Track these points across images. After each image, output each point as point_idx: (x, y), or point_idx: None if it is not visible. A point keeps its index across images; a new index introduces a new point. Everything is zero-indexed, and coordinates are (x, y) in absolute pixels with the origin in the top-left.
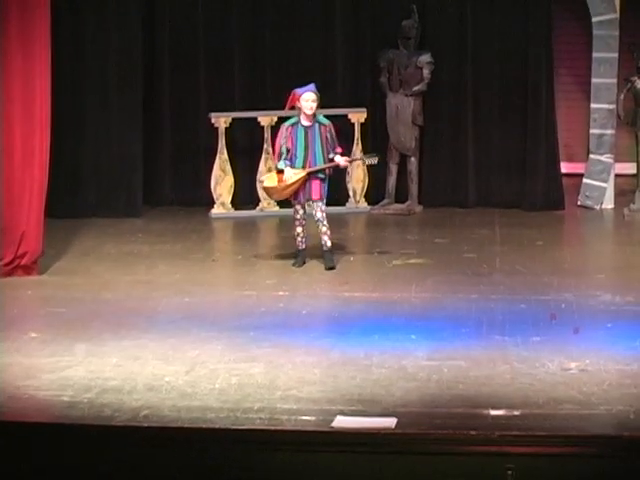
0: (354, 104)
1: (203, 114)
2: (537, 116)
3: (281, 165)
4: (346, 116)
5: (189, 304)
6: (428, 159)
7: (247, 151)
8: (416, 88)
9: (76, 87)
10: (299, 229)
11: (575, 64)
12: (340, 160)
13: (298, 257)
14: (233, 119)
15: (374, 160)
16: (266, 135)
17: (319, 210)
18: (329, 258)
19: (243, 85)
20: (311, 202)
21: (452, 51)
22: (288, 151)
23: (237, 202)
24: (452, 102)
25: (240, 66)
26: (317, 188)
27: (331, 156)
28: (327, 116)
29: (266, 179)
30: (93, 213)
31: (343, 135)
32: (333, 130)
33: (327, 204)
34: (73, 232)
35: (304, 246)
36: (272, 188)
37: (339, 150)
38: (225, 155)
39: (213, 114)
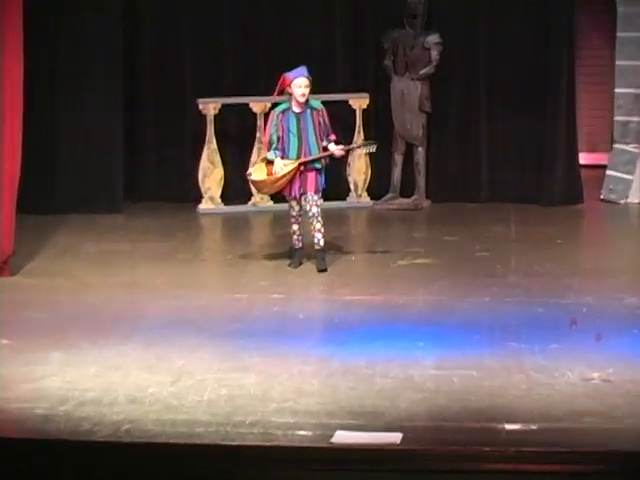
0: (355, 89)
1: (190, 100)
2: (556, 103)
3: (271, 155)
4: (347, 102)
5: (175, 308)
6: (436, 149)
7: (238, 140)
8: (423, 71)
9: (52, 73)
10: (295, 227)
11: (597, 44)
12: (335, 149)
13: (294, 257)
14: (223, 105)
15: (372, 148)
16: (259, 123)
17: (314, 205)
18: (321, 258)
19: (234, 69)
20: (306, 195)
21: (463, 31)
22: (279, 140)
23: (227, 196)
24: (463, 87)
25: (232, 51)
26: (312, 180)
27: (325, 144)
28: (325, 102)
29: (254, 172)
30: (71, 209)
31: (344, 123)
32: (326, 115)
33: (326, 198)
34: (48, 229)
35: (301, 245)
36: (261, 182)
37: (333, 138)
38: (214, 145)
39: (201, 100)
